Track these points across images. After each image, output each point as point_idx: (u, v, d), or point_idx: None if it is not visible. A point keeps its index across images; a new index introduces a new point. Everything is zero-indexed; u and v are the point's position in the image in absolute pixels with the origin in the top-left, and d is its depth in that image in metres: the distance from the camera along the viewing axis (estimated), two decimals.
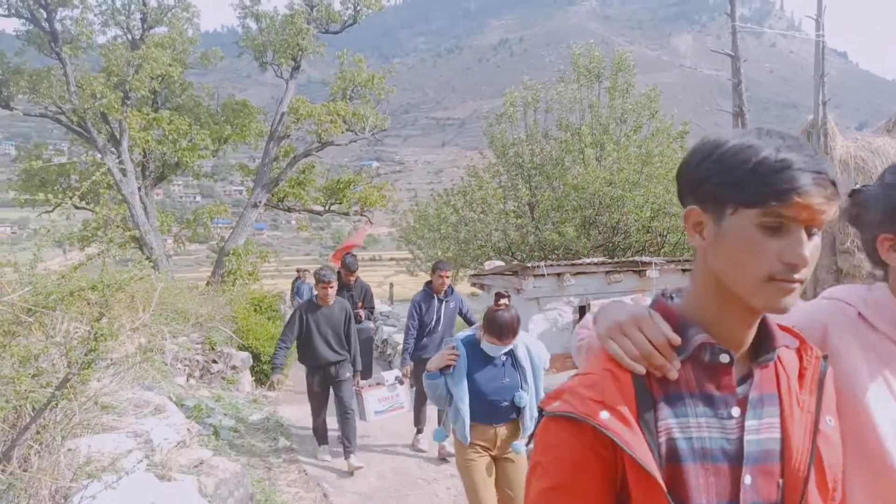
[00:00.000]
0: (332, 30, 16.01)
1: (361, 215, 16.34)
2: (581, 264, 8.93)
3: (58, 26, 13.58)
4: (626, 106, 14.24)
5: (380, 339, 14.95)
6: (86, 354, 2.37)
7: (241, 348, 8.87)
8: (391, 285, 26.85)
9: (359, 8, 15.64)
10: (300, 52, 15.26)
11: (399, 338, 13.12)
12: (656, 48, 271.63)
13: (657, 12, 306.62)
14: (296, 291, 16.88)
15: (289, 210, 16.86)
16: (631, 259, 9.38)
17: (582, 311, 8.86)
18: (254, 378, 9.26)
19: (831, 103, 11.30)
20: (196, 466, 3.92)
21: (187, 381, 6.72)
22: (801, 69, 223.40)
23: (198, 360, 7.44)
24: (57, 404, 2.36)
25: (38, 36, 13.76)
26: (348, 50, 16.02)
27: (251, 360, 8.90)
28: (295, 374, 11.77)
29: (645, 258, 9.30)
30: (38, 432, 2.39)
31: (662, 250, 13.13)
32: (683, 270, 9.54)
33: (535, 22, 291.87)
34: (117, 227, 13.87)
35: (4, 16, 13.23)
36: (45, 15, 13.19)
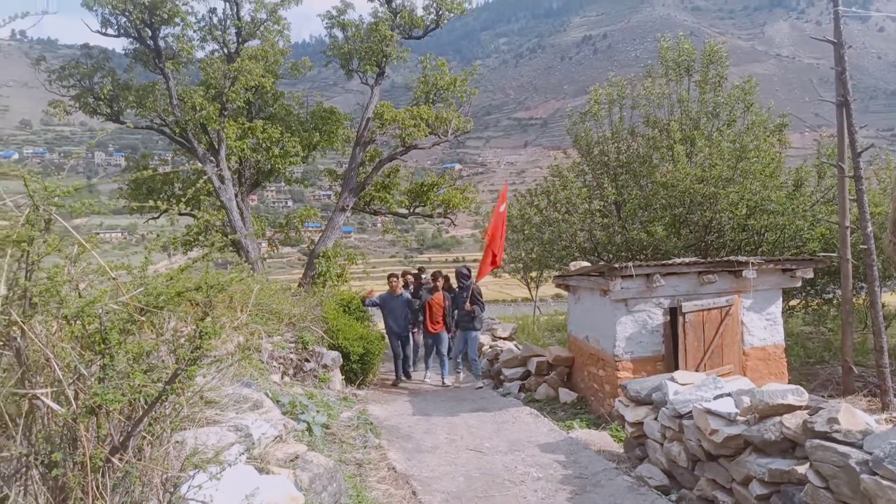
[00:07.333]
0: (415, 35, 16.24)
1: (445, 217, 16.48)
2: (672, 264, 8.59)
3: (161, 44, 14.47)
4: (718, 99, 13.62)
5: None
6: (192, 352, 2.51)
7: (332, 347, 9.15)
8: None
9: (441, 12, 15.80)
10: (384, 59, 15.58)
11: (485, 340, 13.08)
12: (750, 38, 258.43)
13: (750, 0, 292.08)
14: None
15: (375, 213, 17.24)
16: (725, 259, 8.95)
17: (673, 312, 8.54)
18: (343, 376, 9.53)
19: None
20: (292, 461, 4.07)
21: (282, 378, 6.98)
22: None
23: (291, 359, 7.72)
24: (167, 398, 2.51)
25: (144, 53, 14.69)
26: (431, 54, 16.23)
27: (341, 360, 9.15)
28: (379, 370, 12.02)
29: (741, 258, 8.84)
30: (150, 424, 2.56)
31: (760, 249, 12.49)
32: (784, 270, 9.01)
33: (620, 17, 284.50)
34: (217, 231, 14.62)
35: (115, 36, 14.18)
36: (149, 33, 14.09)
